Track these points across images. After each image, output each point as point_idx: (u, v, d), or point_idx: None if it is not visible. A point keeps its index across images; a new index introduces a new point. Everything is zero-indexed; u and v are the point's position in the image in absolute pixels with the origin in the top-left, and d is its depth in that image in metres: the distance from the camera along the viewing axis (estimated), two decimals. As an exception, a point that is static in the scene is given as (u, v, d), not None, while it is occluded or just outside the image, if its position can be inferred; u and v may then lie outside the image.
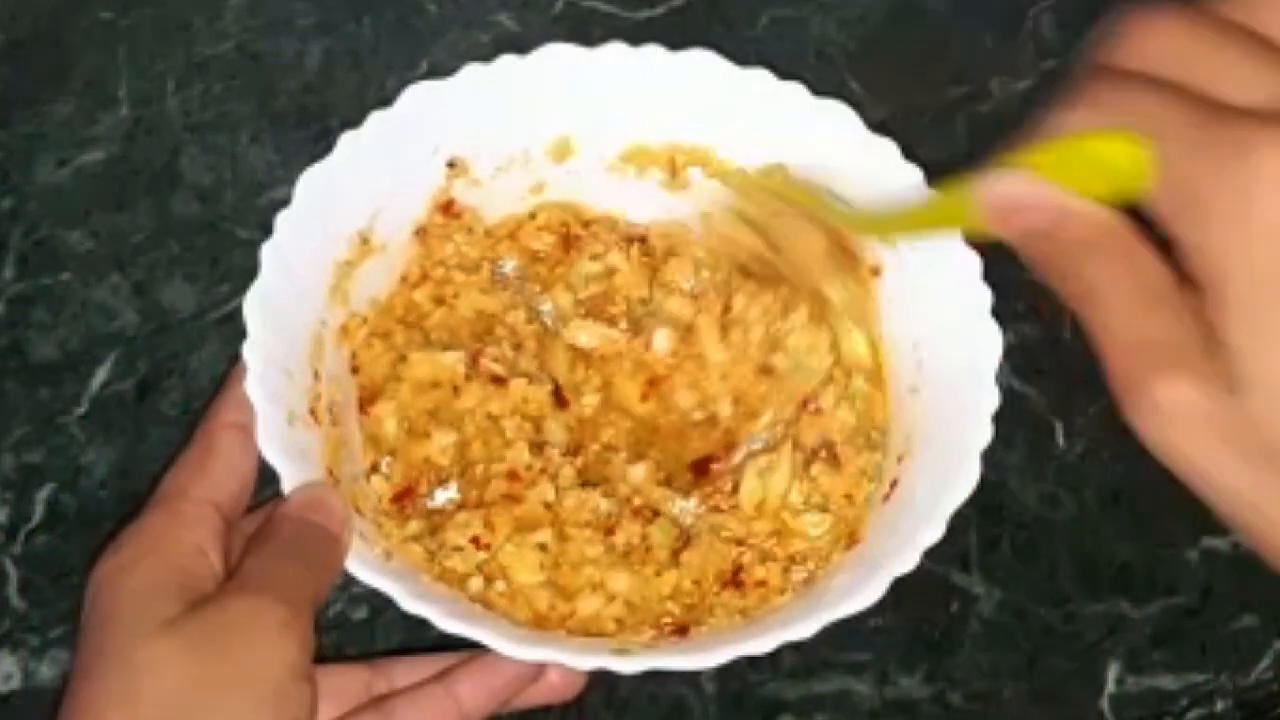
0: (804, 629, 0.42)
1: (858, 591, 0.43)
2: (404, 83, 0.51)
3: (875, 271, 0.51)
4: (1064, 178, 0.34)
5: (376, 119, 0.50)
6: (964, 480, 0.45)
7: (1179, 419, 0.31)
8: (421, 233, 0.53)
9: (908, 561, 0.43)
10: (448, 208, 0.53)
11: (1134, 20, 0.35)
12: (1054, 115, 0.35)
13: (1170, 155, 0.32)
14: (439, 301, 0.53)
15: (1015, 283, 0.48)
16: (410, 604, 0.42)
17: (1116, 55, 0.35)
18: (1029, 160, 0.35)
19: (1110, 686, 0.53)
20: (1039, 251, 0.34)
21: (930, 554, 0.43)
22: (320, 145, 0.50)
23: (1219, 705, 0.53)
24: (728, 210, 0.52)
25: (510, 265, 0.54)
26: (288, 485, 0.44)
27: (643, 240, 0.55)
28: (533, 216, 0.55)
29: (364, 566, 0.43)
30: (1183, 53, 0.34)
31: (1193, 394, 0.31)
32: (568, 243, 0.55)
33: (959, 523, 0.44)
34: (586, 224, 0.55)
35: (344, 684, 0.46)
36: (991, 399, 0.46)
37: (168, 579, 0.41)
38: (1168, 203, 0.32)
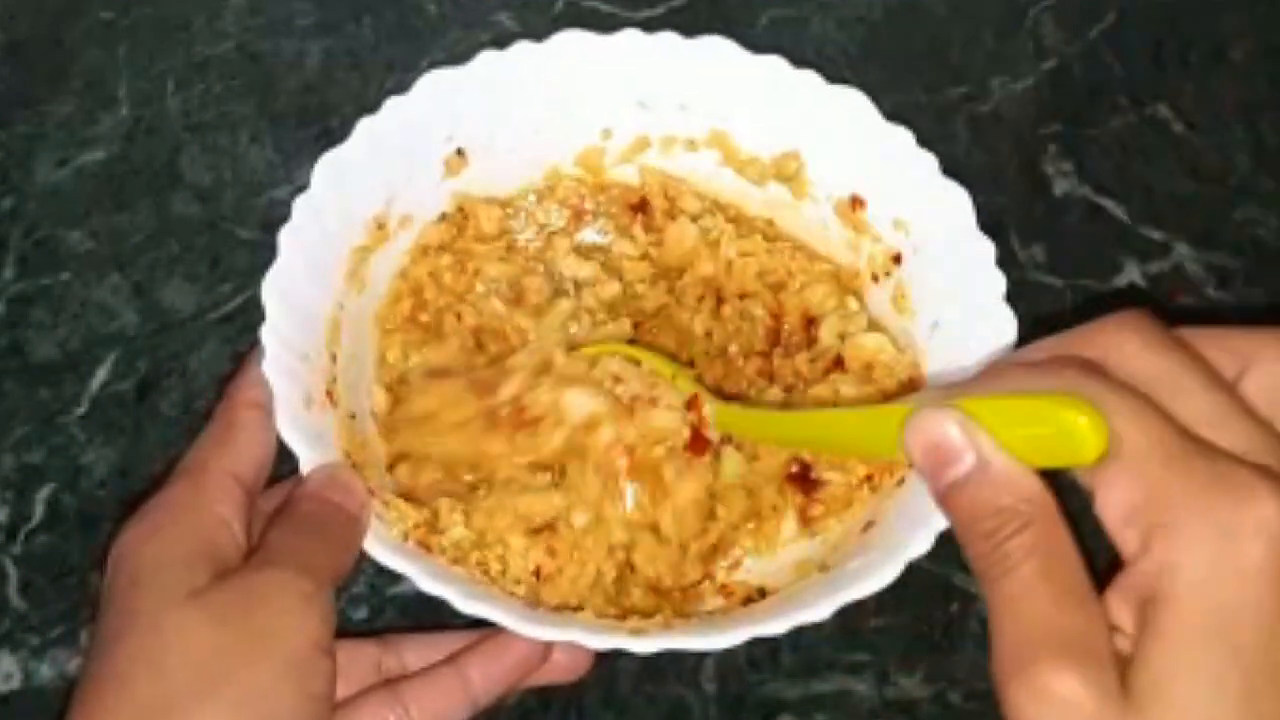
0: (819, 611, 0.42)
1: (873, 573, 0.43)
2: (404, 83, 0.51)
3: (896, 258, 0.51)
4: (1003, 434, 0.33)
5: (392, 105, 0.50)
6: None
7: (1062, 713, 0.31)
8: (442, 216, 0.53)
9: (922, 544, 0.43)
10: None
11: (1109, 318, 0.35)
12: (1005, 371, 0.35)
13: (1143, 464, 0.32)
14: (460, 271, 0.53)
15: (1015, 283, 0.48)
16: (428, 584, 0.42)
17: (1083, 344, 0.35)
18: (969, 406, 0.33)
19: (1110, 686, 0.53)
20: (956, 505, 0.34)
21: (930, 554, 0.43)
22: (320, 145, 0.50)
23: (1219, 705, 0.53)
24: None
25: (525, 237, 0.55)
26: (305, 466, 0.44)
27: (643, 208, 0.55)
28: (551, 189, 0.55)
29: (382, 547, 0.43)
30: (1153, 363, 0.34)
31: (1083, 694, 0.31)
32: (578, 216, 0.55)
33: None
34: (597, 197, 0.55)
35: (355, 660, 0.46)
36: None
37: (194, 549, 0.42)
38: (1126, 507, 0.32)
